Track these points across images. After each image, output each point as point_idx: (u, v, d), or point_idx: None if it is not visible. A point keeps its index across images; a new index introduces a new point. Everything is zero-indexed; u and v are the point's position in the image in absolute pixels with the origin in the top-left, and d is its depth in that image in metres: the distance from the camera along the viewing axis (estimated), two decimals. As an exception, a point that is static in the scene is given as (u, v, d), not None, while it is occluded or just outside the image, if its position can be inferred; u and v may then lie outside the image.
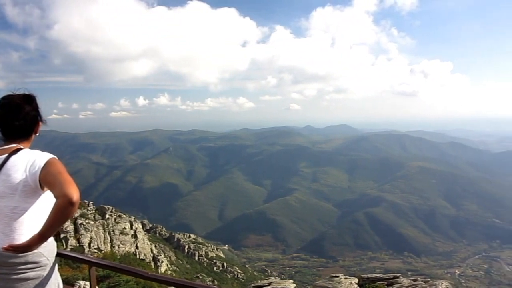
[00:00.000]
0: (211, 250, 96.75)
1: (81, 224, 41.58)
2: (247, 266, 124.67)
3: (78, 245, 38.72)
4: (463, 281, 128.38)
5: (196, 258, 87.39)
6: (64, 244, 35.71)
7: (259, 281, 20.41)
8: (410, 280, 32.28)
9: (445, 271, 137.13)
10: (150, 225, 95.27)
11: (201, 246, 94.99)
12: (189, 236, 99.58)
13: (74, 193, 2.90)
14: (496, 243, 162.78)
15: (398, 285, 30.41)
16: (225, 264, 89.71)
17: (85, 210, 47.77)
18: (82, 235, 40.34)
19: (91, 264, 5.27)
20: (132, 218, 62.44)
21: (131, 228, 57.80)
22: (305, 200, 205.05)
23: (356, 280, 30.83)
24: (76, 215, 42.02)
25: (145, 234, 68.16)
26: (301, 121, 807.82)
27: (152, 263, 58.00)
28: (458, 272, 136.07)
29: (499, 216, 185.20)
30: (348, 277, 32.17)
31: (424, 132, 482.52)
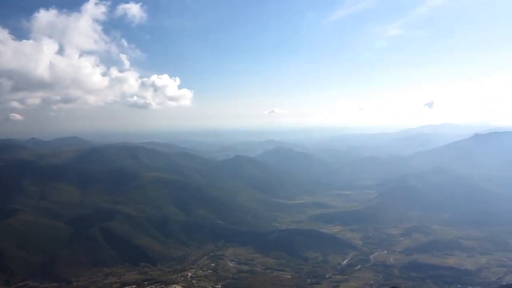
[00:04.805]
0: None
1: None
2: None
3: None
4: (195, 282, 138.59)
5: None
6: None
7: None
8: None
9: (179, 275, 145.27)
10: None
11: None
12: None
13: None
14: (221, 243, 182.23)
15: (134, 297, 30.52)
16: None
17: None
18: None
19: None
20: None
21: None
22: (31, 220, 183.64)
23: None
24: None
25: None
26: (24, 133, 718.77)
27: None
28: (190, 274, 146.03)
29: (222, 218, 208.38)
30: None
31: (156, 143, 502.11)
